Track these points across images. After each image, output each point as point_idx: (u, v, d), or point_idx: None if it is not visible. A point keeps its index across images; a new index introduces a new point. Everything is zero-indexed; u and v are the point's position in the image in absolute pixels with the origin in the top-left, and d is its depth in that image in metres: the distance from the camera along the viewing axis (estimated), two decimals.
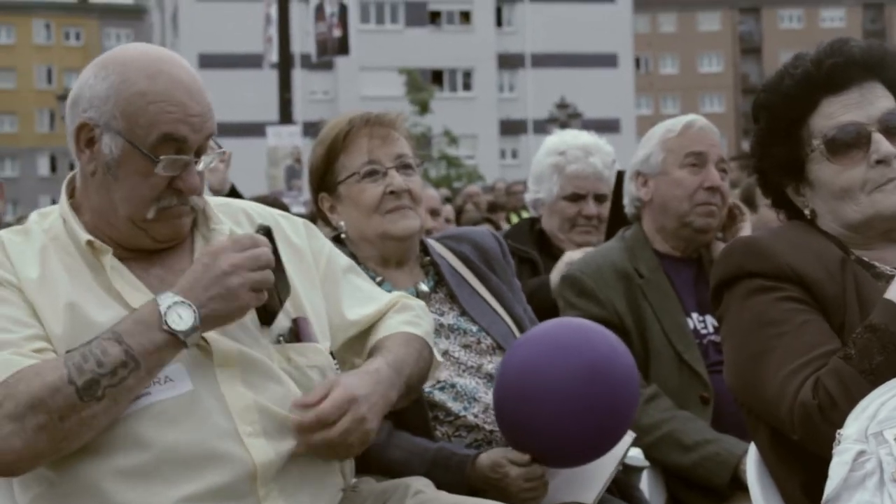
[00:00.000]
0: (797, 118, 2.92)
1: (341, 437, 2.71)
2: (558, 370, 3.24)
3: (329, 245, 3.15)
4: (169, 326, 2.61)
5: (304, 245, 3.06)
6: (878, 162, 2.83)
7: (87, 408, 2.59)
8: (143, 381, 2.63)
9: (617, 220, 4.85)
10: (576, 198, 5.23)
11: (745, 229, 4.43)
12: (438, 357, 3.14)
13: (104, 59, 2.84)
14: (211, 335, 2.75)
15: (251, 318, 2.83)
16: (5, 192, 6.08)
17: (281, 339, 2.87)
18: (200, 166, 2.81)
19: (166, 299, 2.63)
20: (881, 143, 2.83)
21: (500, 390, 3.36)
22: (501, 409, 3.36)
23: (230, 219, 2.99)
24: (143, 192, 2.78)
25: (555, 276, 4.84)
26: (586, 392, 3.23)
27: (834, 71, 2.88)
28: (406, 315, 3.07)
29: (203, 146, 2.81)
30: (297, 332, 2.90)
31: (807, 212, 2.97)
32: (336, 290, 3.06)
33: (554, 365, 3.25)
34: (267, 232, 2.77)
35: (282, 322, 2.89)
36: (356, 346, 3.05)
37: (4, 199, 5.91)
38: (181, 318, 2.62)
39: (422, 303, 3.18)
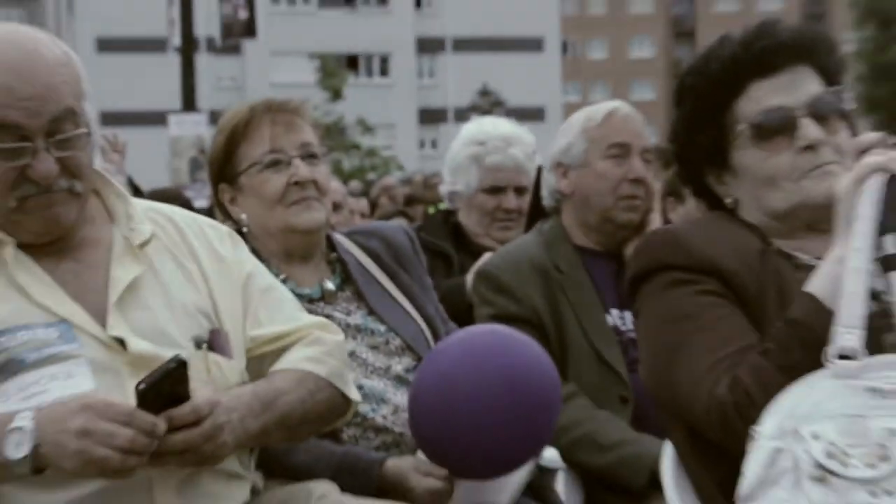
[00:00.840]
0: (723, 102, 2.93)
1: (201, 440, 2.68)
2: (478, 385, 3.29)
3: (254, 261, 3.17)
4: (2, 448, 2.60)
5: (228, 255, 3.09)
6: (806, 148, 2.85)
7: None
8: None
9: (535, 213, 4.87)
10: (495, 190, 5.24)
11: (655, 220, 4.46)
12: (355, 396, 3.10)
13: None
14: (127, 334, 2.78)
15: (174, 319, 2.87)
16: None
17: (203, 345, 2.89)
18: (55, 150, 2.79)
19: (20, 420, 2.60)
20: (809, 129, 2.86)
21: (417, 402, 3.39)
22: (417, 419, 3.40)
23: (154, 223, 3.01)
24: None
25: (470, 277, 4.83)
26: (507, 408, 3.28)
27: (763, 54, 2.90)
28: (312, 350, 3.02)
29: (56, 128, 2.79)
30: (211, 343, 2.91)
31: (728, 201, 2.99)
32: (251, 304, 3.06)
33: (474, 380, 3.30)
34: (179, 365, 2.67)
35: (200, 328, 2.92)
36: (262, 365, 3.03)
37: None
38: (17, 445, 2.60)
39: (339, 338, 3.12)
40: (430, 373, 3.39)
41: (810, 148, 2.86)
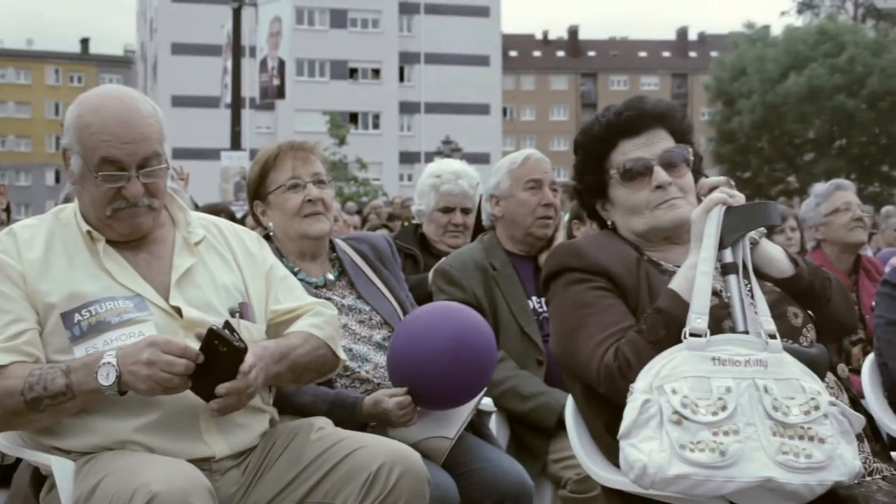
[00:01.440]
0: (602, 154, 2.92)
1: (248, 386, 2.67)
2: (434, 338, 3.27)
3: (273, 257, 3.14)
4: (96, 378, 2.59)
5: (256, 252, 3.07)
6: (658, 187, 2.84)
7: (31, 415, 2.62)
8: (78, 405, 2.63)
9: (478, 229, 4.87)
10: (447, 210, 5.18)
11: (560, 237, 4.46)
12: (342, 356, 3.08)
13: (77, 98, 2.86)
14: (183, 305, 2.77)
15: (217, 295, 2.85)
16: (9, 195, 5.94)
17: (237, 314, 2.87)
18: (143, 178, 2.80)
19: (107, 357, 2.59)
20: (660, 173, 2.84)
21: (392, 351, 3.37)
22: (393, 364, 3.37)
23: (205, 229, 3.01)
24: (97, 198, 2.80)
25: (431, 273, 4.81)
26: (455, 353, 3.26)
27: (629, 120, 2.89)
28: (315, 319, 3.01)
29: (146, 163, 2.79)
30: (242, 312, 2.89)
31: (609, 223, 2.99)
32: (273, 288, 3.04)
33: (431, 333, 3.28)
34: (226, 326, 2.67)
35: (235, 302, 2.90)
36: (279, 329, 3.01)
37: (6, 197, 5.81)
38: (107, 376, 2.58)
39: (334, 312, 3.10)
40: (402, 331, 3.37)
41: (660, 188, 2.85)
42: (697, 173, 2.94)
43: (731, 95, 49.75)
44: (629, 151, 2.89)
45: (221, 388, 2.61)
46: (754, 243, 2.80)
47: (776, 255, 2.85)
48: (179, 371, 2.56)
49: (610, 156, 2.91)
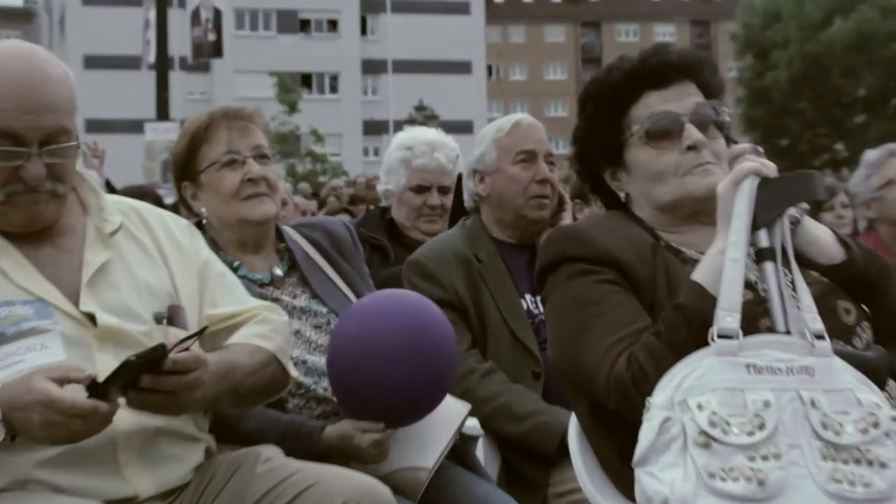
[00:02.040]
0: (620, 106, 2.94)
1: (184, 386, 2.64)
2: (383, 336, 3.27)
3: (208, 250, 3.14)
4: None
5: (187, 244, 3.06)
6: (690, 148, 2.86)
7: None
8: None
9: (458, 212, 4.85)
10: (421, 189, 5.19)
11: (567, 218, 4.47)
12: (293, 372, 3.07)
13: None
14: (97, 310, 2.76)
15: (139, 297, 2.84)
16: None
17: (164, 320, 2.86)
18: (46, 157, 2.76)
19: None
20: (692, 131, 2.87)
21: (333, 362, 3.36)
22: (336, 380, 3.36)
23: (122, 215, 2.99)
24: None
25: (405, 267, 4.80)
26: (409, 346, 3.26)
27: (657, 68, 2.92)
28: (261, 328, 3.00)
29: (51, 139, 2.76)
30: (171, 318, 2.88)
31: (622, 194, 2.99)
32: (208, 287, 3.04)
33: (378, 332, 3.28)
34: (161, 348, 2.62)
35: (162, 306, 2.89)
36: (216, 341, 2.98)
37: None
38: None
39: (284, 318, 3.10)
40: (342, 331, 3.37)
41: (693, 148, 2.87)
42: (728, 140, 2.96)
43: (763, 46, 50.04)
44: (655, 105, 2.91)
45: (144, 381, 2.57)
46: (795, 222, 2.80)
47: (823, 237, 2.85)
48: (79, 430, 2.52)
49: (630, 110, 2.93)
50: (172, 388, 2.62)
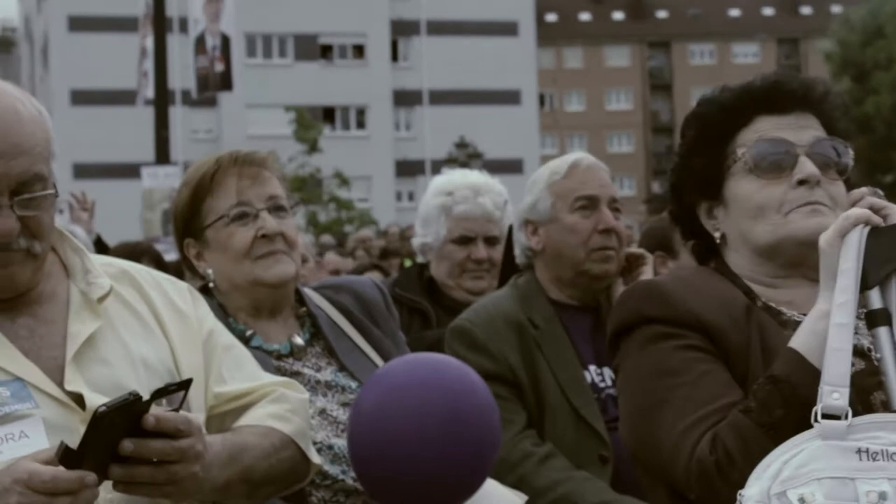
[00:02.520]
0: (728, 129, 2.96)
1: (178, 454, 2.62)
2: (414, 411, 3.22)
3: (213, 318, 3.14)
4: None
5: (189, 311, 3.06)
6: (801, 183, 2.87)
7: None
8: None
9: (510, 269, 4.81)
10: (464, 241, 5.19)
11: (647, 274, 4.44)
12: (315, 459, 3.08)
13: None
14: (84, 389, 2.74)
15: (134, 374, 2.84)
16: None
17: (162, 402, 2.80)
18: (18, 209, 2.76)
19: None
20: (807, 165, 2.87)
21: (354, 445, 3.31)
22: (360, 468, 3.32)
23: (112, 278, 2.99)
24: None
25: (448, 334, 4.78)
26: (446, 433, 3.21)
27: (774, 91, 2.95)
28: (277, 407, 3.01)
29: (23, 188, 2.76)
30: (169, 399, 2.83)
31: (717, 234, 2.99)
32: (214, 361, 3.04)
33: (410, 407, 3.23)
34: (137, 399, 2.61)
35: (159, 382, 2.83)
36: (223, 423, 3.00)
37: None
38: None
39: (304, 396, 3.11)
40: (365, 405, 3.32)
41: (805, 183, 2.87)
42: (849, 188, 2.96)
43: (862, 67, 50.05)
44: (768, 131, 2.92)
45: (126, 447, 2.56)
46: None
47: None
48: None
49: (738, 134, 2.95)
50: (161, 454, 2.60)
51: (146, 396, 2.68)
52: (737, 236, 2.96)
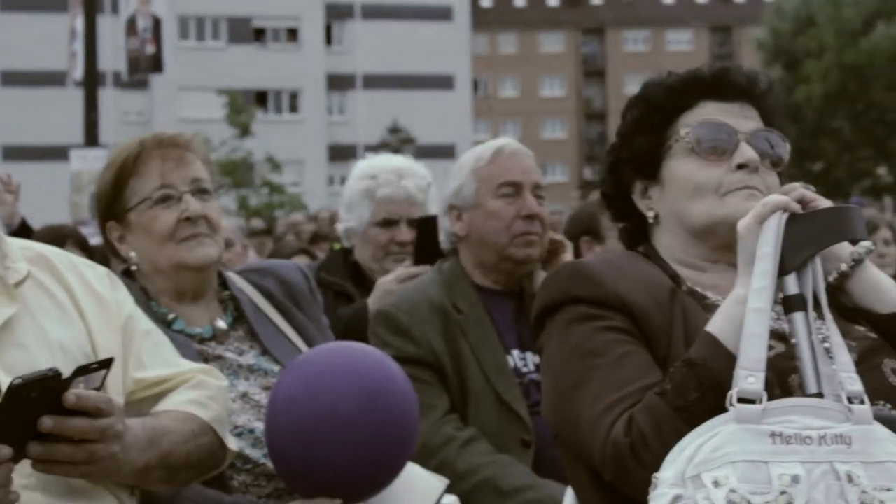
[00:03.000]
0: (672, 110, 2.98)
1: (97, 433, 2.63)
2: (332, 396, 3.23)
3: (132, 303, 3.14)
4: None
5: (107, 295, 3.05)
6: (740, 167, 2.89)
7: None
8: None
9: (434, 254, 4.81)
10: (388, 223, 5.18)
11: (568, 258, 4.46)
12: (232, 446, 3.09)
13: None
14: (1, 375, 2.72)
15: (52, 358, 2.80)
16: None
17: (80, 384, 2.77)
18: None
19: None
20: (747, 150, 2.90)
21: (272, 430, 3.31)
22: (277, 452, 3.31)
23: (29, 262, 2.98)
24: None
25: (373, 305, 4.79)
26: (364, 407, 3.22)
27: (721, 78, 2.98)
28: (196, 393, 3.02)
29: None
30: (86, 383, 2.78)
31: (650, 214, 3.00)
32: (133, 347, 3.03)
33: (327, 391, 3.23)
34: (56, 375, 2.59)
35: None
36: (141, 409, 2.99)
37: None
38: None
39: (222, 384, 3.12)
40: (283, 396, 3.32)
41: (744, 167, 2.90)
42: (782, 181, 2.99)
43: (794, 56, 50.40)
44: (712, 114, 2.95)
45: (45, 423, 2.55)
46: (857, 262, 2.82)
47: (884, 282, 2.87)
48: None
49: (682, 116, 2.98)
50: (81, 432, 2.60)
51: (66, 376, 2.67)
52: (671, 216, 2.97)
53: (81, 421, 2.60)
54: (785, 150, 2.99)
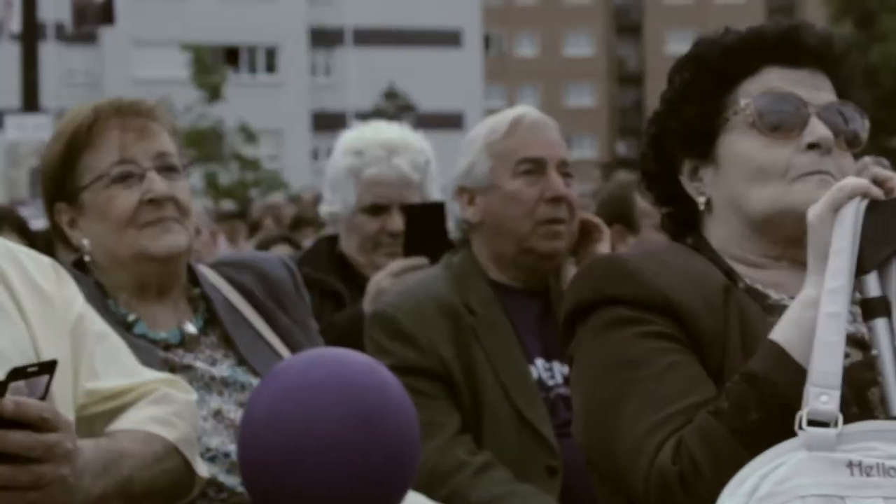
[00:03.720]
0: (729, 76, 2.98)
1: (45, 454, 2.63)
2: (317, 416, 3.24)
3: (82, 300, 3.15)
4: None
5: (53, 292, 3.06)
6: (811, 147, 2.89)
7: None
8: None
9: (441, 244, 4.82)
10: (376, 210, 5.17)
11: (604, 249, 4.45)
12: (202, 472, 3.12)
13: None
14: None
15: None
16: None
17: (24, 393, 2.79)
18: None
19: None
20: (819, 127, 2.90)
21: (245, 455, 3.33)
22: (251, 479, 3.33)
23: None
24: None
25: (368, 309, 4.78)
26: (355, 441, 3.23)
27: (788, 40, 2.98)
28: (159, 410, 3.04)
29: None
30: (30, 393, 2.79)
31: (702, 200, 3.00)
32: (85, 353, 3.05)
33: (306, 414, 3.24)
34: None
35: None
36: (93, 427, 3.00)
37: None
38: None
39: (191, 398, 3.14)
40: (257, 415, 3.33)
41: (815, 147, 2.89)
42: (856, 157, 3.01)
43: (868, 9, 50.37)
44: (777, 83, 2.95)
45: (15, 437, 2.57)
46: None
47: None
48: None
49: (741, 83, 2.98)
50: (25, 448, 2.60)
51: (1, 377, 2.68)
52: (726, 203, 2.97)
53: (23, 435, 2.60)
54: (863, 126, 2.98)
